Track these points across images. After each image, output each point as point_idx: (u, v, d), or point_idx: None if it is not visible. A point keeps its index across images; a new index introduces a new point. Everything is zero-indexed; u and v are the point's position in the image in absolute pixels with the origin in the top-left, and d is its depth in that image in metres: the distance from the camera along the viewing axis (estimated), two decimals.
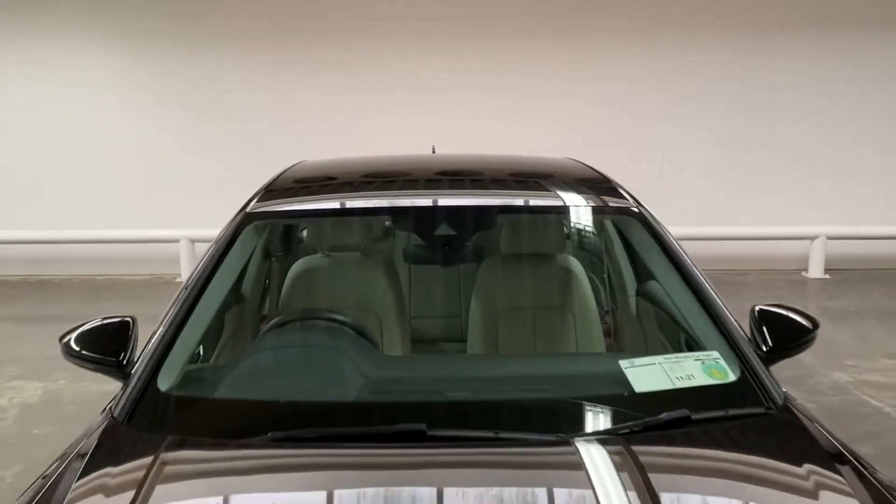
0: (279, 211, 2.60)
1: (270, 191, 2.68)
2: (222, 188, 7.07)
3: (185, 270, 7.49)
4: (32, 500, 1.54)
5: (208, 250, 2.38)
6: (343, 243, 3.14)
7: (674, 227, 5.84)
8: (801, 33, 7.70)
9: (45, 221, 7.85)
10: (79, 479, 1.55)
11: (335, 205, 2.65)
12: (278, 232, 3.11)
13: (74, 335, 2.08)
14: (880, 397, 4.50)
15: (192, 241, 7.56)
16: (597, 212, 2.72)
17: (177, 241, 7.61)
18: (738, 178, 7.92)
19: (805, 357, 5.15)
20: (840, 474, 1.55)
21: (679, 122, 7.85)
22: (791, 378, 4.73)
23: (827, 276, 7.72)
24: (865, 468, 1.61)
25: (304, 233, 3.36)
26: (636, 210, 2.52)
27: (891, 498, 1.49)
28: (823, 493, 1.50)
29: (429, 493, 1.52)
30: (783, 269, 7.87)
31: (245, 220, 2.44)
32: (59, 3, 7.62)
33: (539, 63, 7.75)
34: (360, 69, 7.74)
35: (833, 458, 1.63)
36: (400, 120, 7.66)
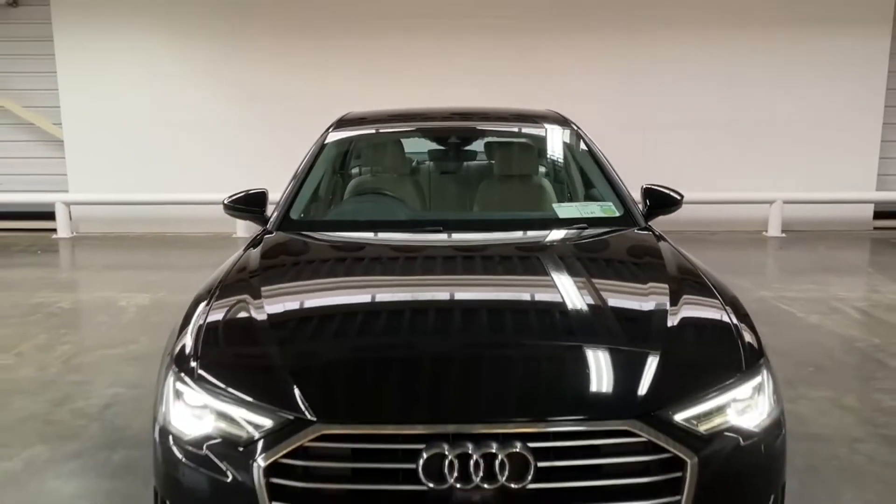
0: (348, 136, 4.05)
1: (339, 126, 4.11)
2: (269, 159, 8.59)
3: (241, 228, 8.98)
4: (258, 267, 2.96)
5: (304, 158, 3.80)
6: (385, 168, 4.55)
7: None
8: (762, 30, 9.09)
9: (120, 186, 9.40)
10: (263, 254, 2.95)
11: (385, 129, 4.10)
12: (340, 159, 4.53)
13: (233, 198, 3.52)
14: (791, 305, 5.84)
15: None
16: (561, 143, 4.14)
17: None
18: (707, 150, 9.30)
19: (742, 282, 6.54)
20: (661, 250, 2.92)
21: (657, 105, 9.24)
22: None
23: (783, 235, 9.07)
24: (687, 259, 2.97)
25: (355, 169, 4.80)
26: (587, 143, 3.91)
27: (689, 264, 2.86)
28: (646, 258, 2.88)
29: (444, 256, 2.97)
30: (746, 229, 9.23)
31: (326, 140, 3.86)
32: (138, 7, 9.19)
33: (531, 56, 9.19)
34: (387, 54, 9.24)
35: (664, 247, 3.00)
36: (420, 91, 9.16)
